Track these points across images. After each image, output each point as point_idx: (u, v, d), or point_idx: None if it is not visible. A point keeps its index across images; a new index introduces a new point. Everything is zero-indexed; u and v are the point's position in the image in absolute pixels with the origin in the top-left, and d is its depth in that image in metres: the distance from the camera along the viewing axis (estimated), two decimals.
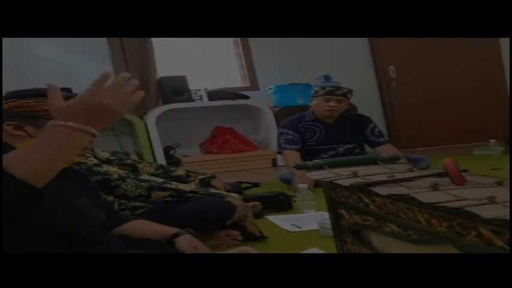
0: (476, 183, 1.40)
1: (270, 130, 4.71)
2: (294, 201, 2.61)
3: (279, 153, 3.61)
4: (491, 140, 4.43)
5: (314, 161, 1.90)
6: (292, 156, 3.26)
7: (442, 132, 5.44)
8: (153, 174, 2.32)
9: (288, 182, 3.22)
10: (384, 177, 1.36)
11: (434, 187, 1.16)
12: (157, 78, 4.99)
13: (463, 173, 1.46)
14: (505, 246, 0.91)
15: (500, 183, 1.32)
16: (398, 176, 1.41)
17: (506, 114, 5.26)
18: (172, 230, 1.58)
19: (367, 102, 5.23)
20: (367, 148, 3.61)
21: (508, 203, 1.06)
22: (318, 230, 1.98)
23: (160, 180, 1.94)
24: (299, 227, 2.16)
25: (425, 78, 5.54)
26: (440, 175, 1.34)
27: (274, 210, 2.51)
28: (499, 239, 0.91)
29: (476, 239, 0.98)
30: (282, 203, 2.57)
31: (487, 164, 3.52)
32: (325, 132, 3.42)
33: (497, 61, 5.70)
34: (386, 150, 3.34)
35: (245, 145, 4.85)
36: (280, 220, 2.32)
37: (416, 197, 1.13)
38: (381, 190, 1.26)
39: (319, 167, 1.85)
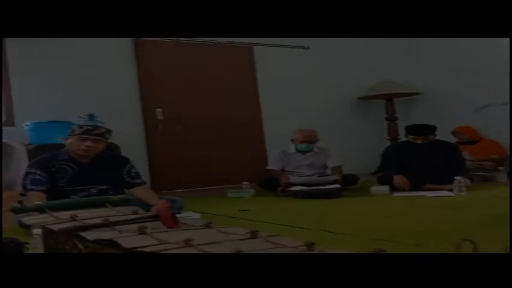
0: (188, 225, 1.49)
1: (20, 169, 4.36)
2: (28, 248, 2.43)
3: (23, 194, 3.36)
4: (244, 183, 4.82)
5: (35, 203, 1.81)
6: (37, 198, 3.06)
7: (202, 175, 5.73)
8: None
9: (28, 227, 3.00)
10: (99, 221, 1.36)
11: (141, 230, 1.20)
12: None
13: (177, 215, 1.54)
14: None
15: (208, 225, 1.43)
16: (115, 219, 1.43)
17: (258, 157, 5.79)
18: None
19: (132, 144, 5.26)
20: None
21: (205, 245, 1.15)
22: None
23: None
24: None
25: (190, 121, 5.81)
26: (157, 217, 1.39)
27: None
28: None
29: None
30: (11, 252, 2.36)
31: (238, 206, 3.81)
32: (78, 173, 3.31)
33: (256, 105, 6.25)
34: (142, 192, 3.37)
35: None
36: None
37: (120, 242, 1.15)
38: (91, 235, 1.25)
39: (41, 210, 1.76)
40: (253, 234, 1.32)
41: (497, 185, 4.60)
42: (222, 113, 5.99)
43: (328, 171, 4.91)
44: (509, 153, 3.10)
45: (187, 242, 1.12)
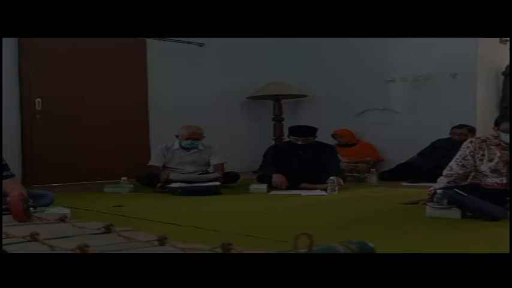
0: (42, 219, 1.52)
1: None
2: None
3: None
4: (123, 178, 4.79)
5: None
6: None
7: (80, 169, 5.64)
8: None
9: None
10: None
11: None
12: None
13: (31, 208, 1.55)
14: None
15: (62, 220, 1.46)
16: None
17: (141, 152, 5.77)
18: None
19: (6, 134, 5.03)
20: None
21: (52, 240, 1.19)
22: None
23: None
24: None
25: (70, 113, 5.65)
26: (7, 210, 1.40)
27: None
28: None
29: None
30: None
31: (113, 202, 3.81)
32: None
33: (143, 99, 6.20)
34: (8, 185, 3.25)
35: None
36: None
37: None
38: None
39: None
40: (108, 229, 1.37)
41: (367, 186, 4.98)
42: (105, 107, 5.88)
43: (211, 169, 5.02)
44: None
45: (33, 236, 1.15)
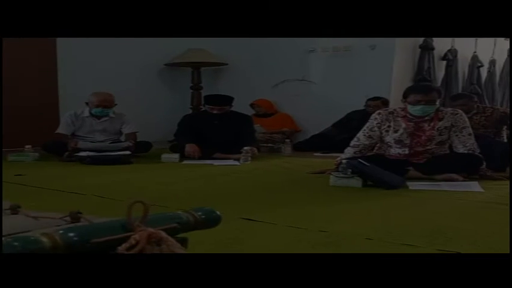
0: None
1: None
2: None
3: None
4: (27, 146, 4.64)
5: None
6: None
7: None
8: None
9: None
10: None
11: None
12: None
13: None
14: None
15: None
16: None
17: (48, 120, 5.56)
18: None
19: None
20: None
21: None
22: None
23: None
24: None
25: None
26: None
27: None
28: None
29: None
30: None
31: (16, 170, 3.70)
32: None
33: (51, 64, 5.95)
34: None
35: None
36: None
37: None
38: None
39: None
40: None
41: (281, 156, 5.11)
42: (10, 71, 5.60)
43: (123, 138, 4.95)
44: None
45: None
